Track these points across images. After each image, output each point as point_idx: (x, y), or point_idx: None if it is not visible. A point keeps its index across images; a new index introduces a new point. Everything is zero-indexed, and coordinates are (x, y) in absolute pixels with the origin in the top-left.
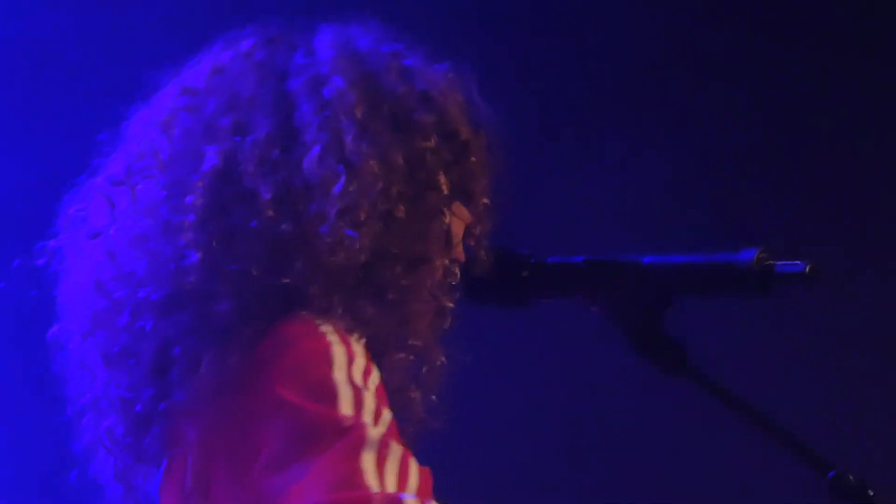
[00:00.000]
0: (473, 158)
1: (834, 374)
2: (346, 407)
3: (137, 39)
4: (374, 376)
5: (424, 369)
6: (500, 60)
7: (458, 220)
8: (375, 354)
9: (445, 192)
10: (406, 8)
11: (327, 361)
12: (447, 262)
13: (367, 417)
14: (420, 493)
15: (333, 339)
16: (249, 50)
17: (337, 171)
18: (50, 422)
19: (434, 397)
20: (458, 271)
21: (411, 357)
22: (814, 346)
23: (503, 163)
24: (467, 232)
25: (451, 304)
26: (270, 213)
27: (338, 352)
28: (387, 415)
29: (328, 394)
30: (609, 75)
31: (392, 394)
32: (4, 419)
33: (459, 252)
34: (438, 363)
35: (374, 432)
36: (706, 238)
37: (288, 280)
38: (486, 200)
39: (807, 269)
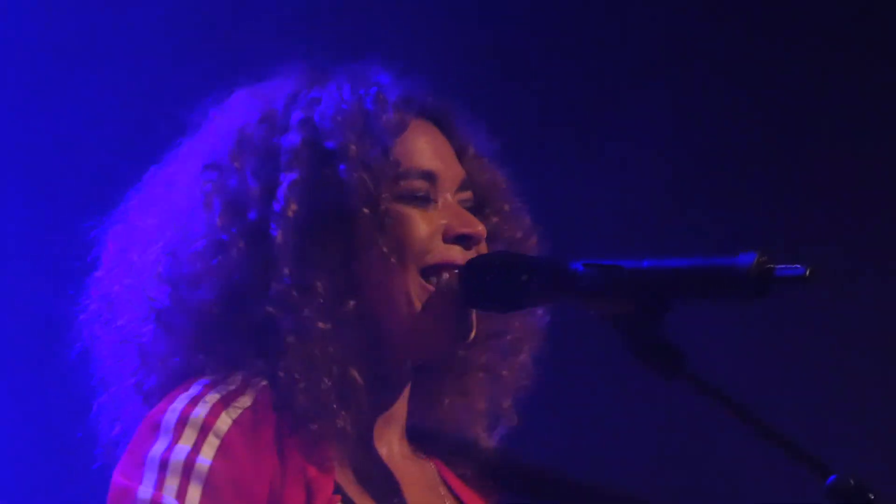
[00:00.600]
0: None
1: (833, 376)
2: (148, 476)
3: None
4: (220, 426)
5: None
6: (499, 61)
7: (420, 219)
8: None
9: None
10: (406, 7)
11: (155, 427)
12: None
13: (171, 480)
14: None
15: (177, 405)
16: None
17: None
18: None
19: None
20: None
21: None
22: (813, 347)
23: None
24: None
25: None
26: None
27: (169, 416)
28: (201, 469)
29: (136, 464)
30: (609, 76)
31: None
32: (4, 419)
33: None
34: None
35: (145, 493)
36: (706, 239)
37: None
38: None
39: (807, 273)
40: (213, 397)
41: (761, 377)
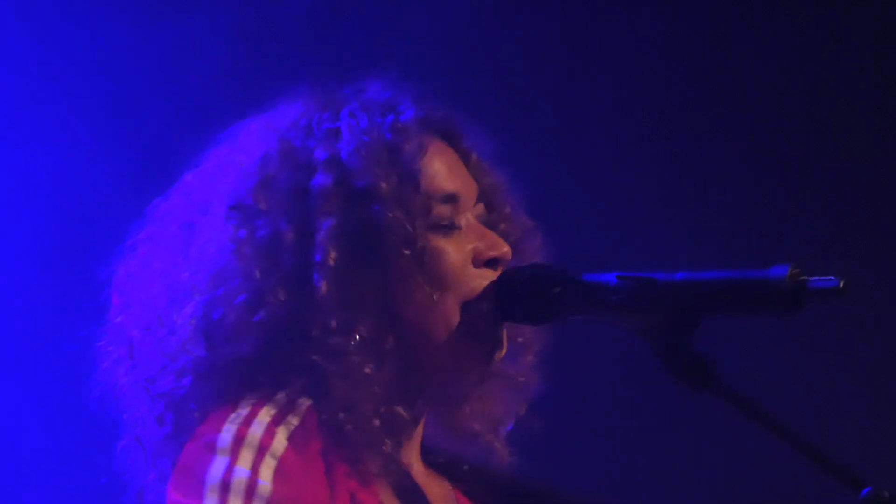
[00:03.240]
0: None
1: (866, 389)
2: (210, 497)
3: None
4: (277, 447)
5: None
6: (513, 67)
7: (452, 249)
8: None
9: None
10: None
11: (211, 448)
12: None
13: (234, 501)
14: None
15: (229, 427)
16: None
17: None
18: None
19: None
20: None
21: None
22: (845, 360)
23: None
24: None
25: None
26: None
27: (224, 437)
28: (263, 489)
29: (197, 485)
30: (624, 84)
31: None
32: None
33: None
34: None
35: None
36: (731, 251)
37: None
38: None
39: (840, 285)
40: (264, 417)
41: (792, 392)
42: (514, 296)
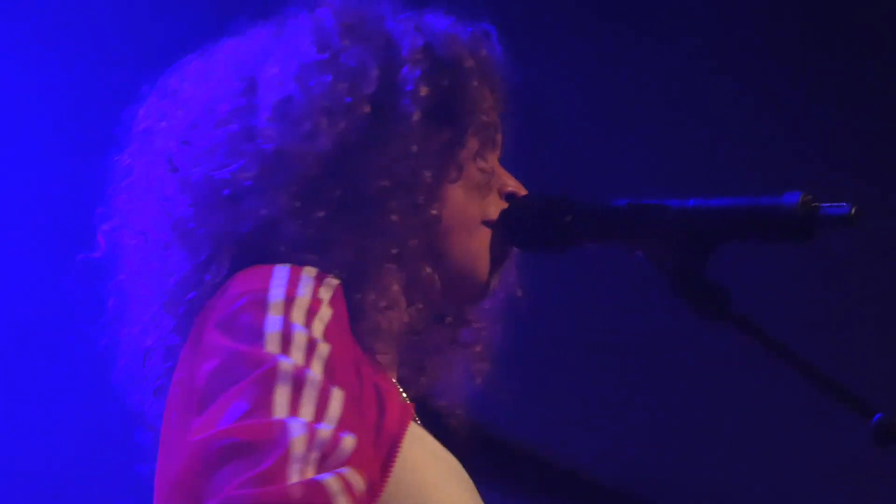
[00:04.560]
0: (475, 86)
1: (879, 317)
2: (271, 345)
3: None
4: (324, 314)
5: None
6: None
7: (470, 154)
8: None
9: (425, 102)
10: None
11: (261, 303)
12: (467, 198)
13: (296, 353)
14: (342, 420)
15: (277, 281)
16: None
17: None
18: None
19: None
20: (489, 220)
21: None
22: (857, 288)
23: (518, 104)
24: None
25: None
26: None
27: (275, 293)
28: (323, 349)
29: (254, 334)
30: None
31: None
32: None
33: (491, 200)
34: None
35: (288, 365)
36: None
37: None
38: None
39: (852, 212)
40: (307, 283)
41: (804, 320)
42: (526, 223)
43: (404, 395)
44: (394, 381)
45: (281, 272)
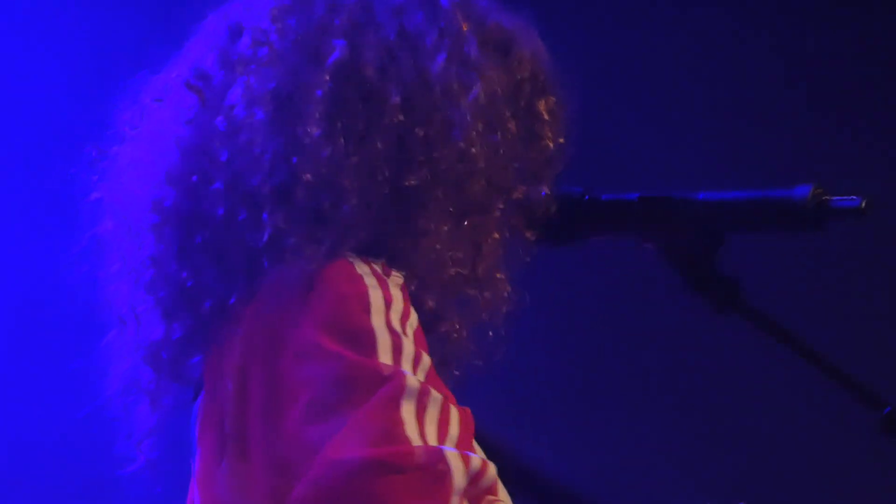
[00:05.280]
0: (551, 98)
1: (890, 310)
2: (384, 355)
3: None
4: (413, 319)
5: (483, 304)
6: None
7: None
8: (430, 286)
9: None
10: None
11: (364, 307)
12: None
13: (407, 365)
14: (461, 439)
15: (370, 282)
16: None
17: (469, 80)
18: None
19: (492, 333)
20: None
21: (475, 291)
22: (869, 280)
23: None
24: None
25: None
26: (400, 116)
27: (375, 296)
28: (426, 360)
29: (367, 341)
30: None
31: (444, 332)
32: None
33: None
34: (502, 298)
35: (414, 381)
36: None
37: (413, 182)
38: (555, 142)
39: (862, 204)
40: (394, 282)
41: (815, 312)
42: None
43: None
44: None
45: (364, 270)
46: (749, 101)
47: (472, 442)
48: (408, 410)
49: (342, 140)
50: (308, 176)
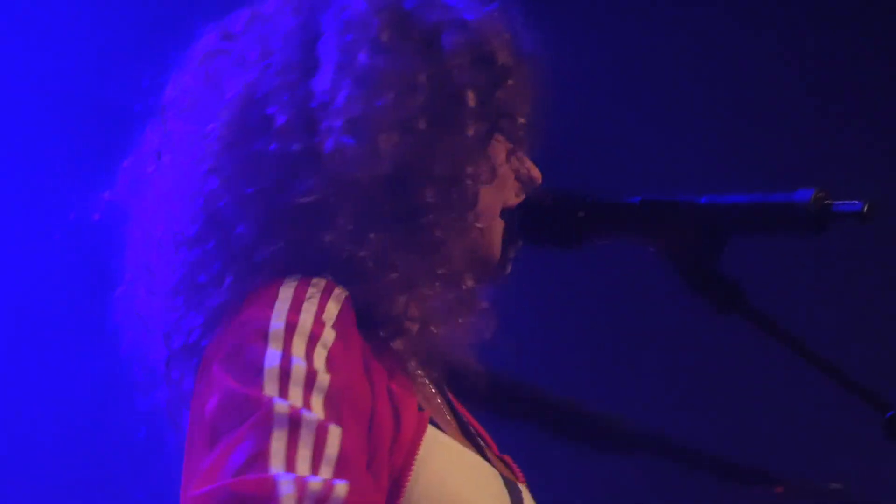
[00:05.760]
0: (511, 84)
1: (891, 312)
2: (270, 382)
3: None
4: (327, 338)
5: (453, 304)
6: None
7: (502, 151)
8: (401, 288)
9: (473, 108)
10: None
11: (262, 333)
12: (494, 193)
13: (294, 389)
14: (342, 457)
15: (281, 306)
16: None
17: (342, 85)
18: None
19: (468, 335)
20: (508, 207)
21: (442, 290)
22: (871, 283)
23: (551, 101)
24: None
25: (491, 239)
26: (285, 134)
27: (276, 322)
28: (323, 380)
29: (253, 371)
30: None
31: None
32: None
33: (511, 188)
34: (471, 298)
35: (283, 407)
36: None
37: (307, 199)
38: (529, 134)
39: (864, 208)
40: (311, 305)
41: (818, 315)
42: (537, 220)
43: (429, 383)
44: (420, 376)
45: (286, 292)
46: (751, 104)
47: (360, 457)
48: (278, 437)
49: (232, 168)
50: (212, 210)
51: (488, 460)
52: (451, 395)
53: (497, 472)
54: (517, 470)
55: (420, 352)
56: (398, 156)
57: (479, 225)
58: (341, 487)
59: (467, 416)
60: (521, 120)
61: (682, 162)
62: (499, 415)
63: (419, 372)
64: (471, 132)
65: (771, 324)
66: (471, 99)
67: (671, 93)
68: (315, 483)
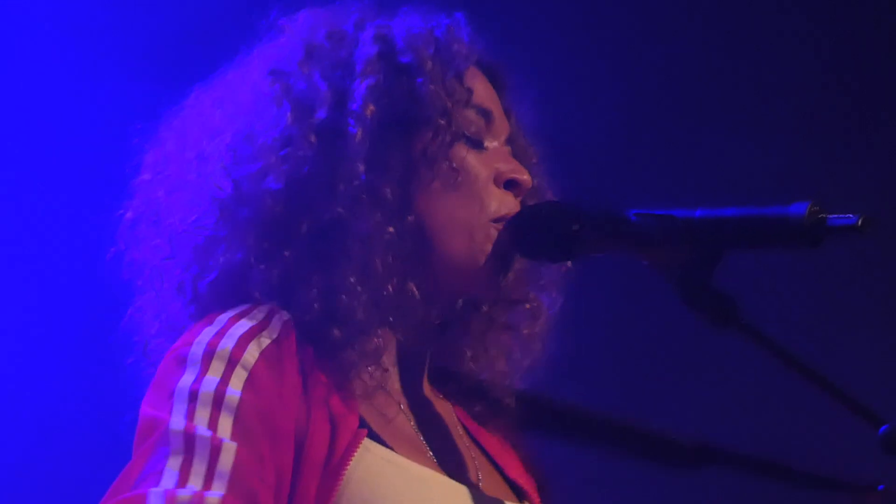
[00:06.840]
0: (422, 83)
1: (887, 327)
2: (177, 407)
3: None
4: (248, 359)
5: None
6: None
7: (475, 161)
8: (321, 300)
9: (369, 119)
10: None
11: (181, 360)
12: (461, 196)
13: (201, 410)
14: (235, 471)
15: (209, 331)
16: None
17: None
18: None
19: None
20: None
21: (367, 297)
22: (866, 297)
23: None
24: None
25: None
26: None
27: (197, 349)
28: (231, 400)
29: (163, 394)
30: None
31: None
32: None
33: (490, 192)
34: (417, 303)
35: (178, 425)
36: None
37: (214, 232)
38: (496, 142)
39: (859, 222)
40: (238, 330)
41: (813, 330)
42: (532, 232)
43: (401, 405)
44: (388, 393)
45: (221, 320)
46: (745, 117)
47: (260, 472)
48: (174, 456)
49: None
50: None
51: (467, 482)
52: (462, 414)
53: (465, 489)
54: (532, 495)
55: (368, 361)
56: (289, 178)
57: (429, 228)
58: (212, 499)
59: (486, 438)
60: (464, 114)
61: (677, 175)
62: (530, 430)
63: (392, 388)
64: (363, 138)
65: (765, 339)
66: (370, 113)
67: (666, 106)
68: (184, 495)
